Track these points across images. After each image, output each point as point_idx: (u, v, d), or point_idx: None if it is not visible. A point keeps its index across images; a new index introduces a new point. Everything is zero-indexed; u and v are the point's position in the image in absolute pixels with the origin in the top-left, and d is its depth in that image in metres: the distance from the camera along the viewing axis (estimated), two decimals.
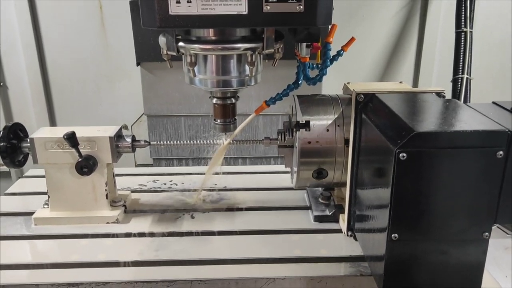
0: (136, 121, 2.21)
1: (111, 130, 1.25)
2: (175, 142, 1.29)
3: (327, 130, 1.15)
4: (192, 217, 1.31)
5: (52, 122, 2.24)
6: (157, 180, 1.56)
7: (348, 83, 1.30)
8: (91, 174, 1.22)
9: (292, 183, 1.37)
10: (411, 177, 0.79)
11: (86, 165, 1.20)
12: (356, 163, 1.09)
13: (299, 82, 1.16)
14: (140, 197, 1.43)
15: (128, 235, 1.22)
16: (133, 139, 1.27)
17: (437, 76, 2.18)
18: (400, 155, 0.77)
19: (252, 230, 1.23)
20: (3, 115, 2.21)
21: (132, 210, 1.34)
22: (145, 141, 1.28)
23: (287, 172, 1.57)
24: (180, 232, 1.23)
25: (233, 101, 1.19)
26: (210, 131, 2.00)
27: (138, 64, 1.88)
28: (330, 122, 1.16)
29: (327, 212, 1.27)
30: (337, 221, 1.26)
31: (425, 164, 0.78)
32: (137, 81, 1.95)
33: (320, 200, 1.33)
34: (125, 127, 2.21)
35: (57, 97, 2.22)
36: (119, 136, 1.26)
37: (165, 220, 1.29)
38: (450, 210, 0.83)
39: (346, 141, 1.14)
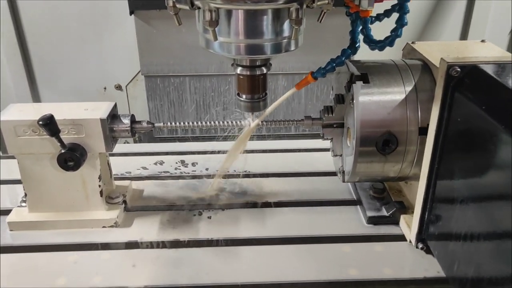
0: (132, 80, 1.90)
1: (103, 109, 0.96)
2: (185, 123, 1.01)
3: (397, 110, 0.87)
4: (209, 217, 1.05)
5: (32, 84, 1.92)
6: (162, 162, 1.29)
7: (412, 42, 1.01)
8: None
9: (336, 170, 1.10)
10: None
11: (71, 158, 0.92)
12: (439, 155, 0.81)
13: (357, 45, 0.86)
14: (143, 187, 1.16)
15: (131, 245, 0.96)
16: (132, 119, 0.99)
17: (492, 27, 1.84)
18: None
19: (287, 238, 0.98)
20: None
21: (134, 206, 1.08)
22: (148, 122, 0.99)
23: (324, 150, 1.30)
24: (196, 240, 0.98)
25: (264, 71, 0.90)
26: (220, 94, 1.71)
27: (131, 13, 1.55)
28: (400, 98, 0.87)
29: (384, 212, 1.02)
30: (396, 223, 1.01)
31: None
32: (131, 33, 1.63)
33: (371, 193, 1.07)
34: (118, 87, 1.90)
35: (36, 54, 1.89)
36: (113, 116, 0.98)
37: (176, 221, 1.03)
38: None
39: (422, 126, 0.86)
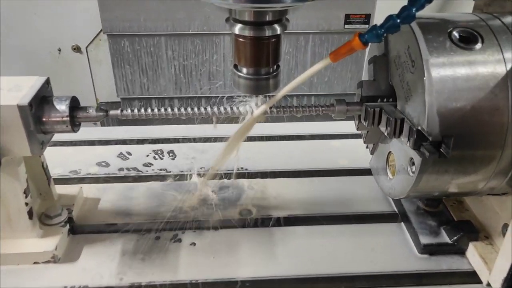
0: (93, 40, 1.53)
1: (26, 89, 0.63)
2: (157, 110, 0.67)
3: (492, 91, 0.56)
4: (193, 244, 0.74)
5: None
6: (128, 154, 0.97)
7: None
8: None
9: (380, 183, 0.80)
10: None
11: None
12: None
13: None
14: (99, 195, 0.84)
15: None
16: (73, 105, 0.65)
17: None
18: None
19: (306, 278, 0.69)
20: None
21: (84, 227, 0.77)
22: (99, 108, 0.66)
23: (344, 136, 1.00)
24: (173, 284, 0.67)
25: (278, 31, 0.58)
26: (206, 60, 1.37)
27: None
28: (496, 72, 0.56)
29: (445, 237, 0.73)
30: (461, 252, 0.72)
31: None
32: None
33: (421, 205, 0.78)
34: (77, 49, 1.54)
35: None
36: (43, 100, 0.65)
37: (146, 251, 0.72)
38: None
39: None
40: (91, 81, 1.58)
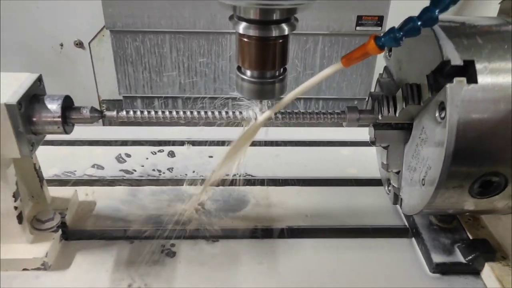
0: (96, 35, 1.51)
1: (14, 87, 0.60)
2: (156, 113, 0.64)
3: None
4: (190, 256, 0.71)
5: None
6: (127, 155, 0.94)
7: None
8: None
9: (383, 182, 0.77)
10: None
11: None
12: None
13: None
14: (94, 197, 0.82)
15: None
16: (66, 104, 0.63)
17: None
18: None
19: None
20: None
21: (78, 232, 0.74)
22: (93, 109, 0.63)
23: (354, 144, 0.97)
24: None
25: (286, 31, 0.55)
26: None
27: None
28: None
29: (459, 256, 0.69)
30: (476, 272, 0.68)
31: None
32: None
33: (434, 221, 0.74)
34: (79, 44, 1.52)
35: None
36: (34, 99, 0.62)
37: (141, 261, 0.69)
38: None
39: None
40: (94, 78, 1.56)
